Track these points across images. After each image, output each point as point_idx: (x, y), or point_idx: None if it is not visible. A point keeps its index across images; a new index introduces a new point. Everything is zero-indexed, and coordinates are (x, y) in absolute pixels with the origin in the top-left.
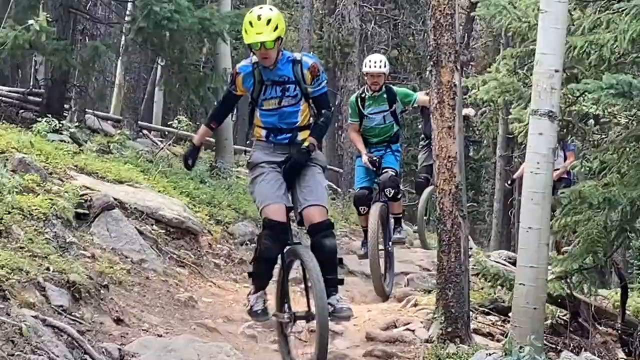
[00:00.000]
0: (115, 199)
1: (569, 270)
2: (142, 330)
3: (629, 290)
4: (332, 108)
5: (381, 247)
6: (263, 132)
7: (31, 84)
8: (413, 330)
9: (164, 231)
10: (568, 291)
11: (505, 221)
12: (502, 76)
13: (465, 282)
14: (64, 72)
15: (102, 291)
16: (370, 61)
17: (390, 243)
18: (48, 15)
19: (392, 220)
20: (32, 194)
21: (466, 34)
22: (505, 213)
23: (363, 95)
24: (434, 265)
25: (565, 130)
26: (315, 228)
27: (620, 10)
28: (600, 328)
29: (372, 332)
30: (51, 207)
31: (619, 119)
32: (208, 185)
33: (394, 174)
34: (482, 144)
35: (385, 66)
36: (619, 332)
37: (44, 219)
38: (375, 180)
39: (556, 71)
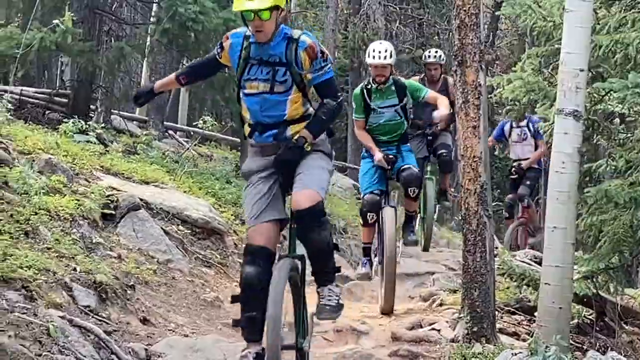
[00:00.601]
0: (141, 200)
1: (595, 269)
2: (169, 330)
3: None
4: (341, 98)
5: (398, 258)
6: (248, 129)
7: (57, 84)
8: (439, 330)
9: (189, 231)
10: (594, 290)
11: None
12: (527, 75)
13: (491, 281)
14: (90, 73)
15: (128, 291)
16: (374, 51)
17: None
18: (73, 17)
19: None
20: (59, 195)
21: (491, 33)
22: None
23: (369, 87)
24: (459, 265)
25: (590, 129)
26: (299, 215)
27: None
28: (627, 327)
29: (398, 331)
30: (78, 208)
31: None
32: (234, 185)
33: (416, 171)
34: (507, 142)
35: (391, 56)
36: None
37: (70, 219)
38: (391, 177)
39: (581, 70)
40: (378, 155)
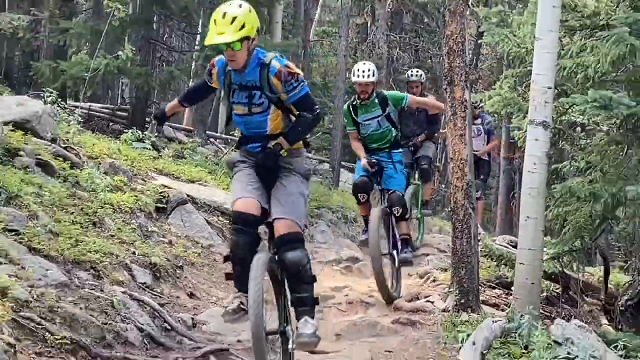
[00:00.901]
0: (188, 195)
1: (561, 252)
2: (211, 302)
3: (610, 268)
4: (318, 110)
5: (385, 251)
6: (239, 139)
7: (119, 101)
8: (432, 302)
9: (227, 221)
10: (560, 269)
11: (507, 211)
12: (505, 92)
13: (475, 261)
14: (145, 91)
15: (177, 271)
16: (358, 70)
17: (397, 261)
18: (132, 47)
19: (399, 243)
20: (120, 192)
21: (475, 57)
22: (508, 205)
23: (354, 104)
24: (449, 248)
25: (557, 136)
26: (280, 239)
27: (602, 37)
28: (587, 299)
29: (399, 303)
30: (136, 202)
31: (602, 127)
32: None
33: (400, 195)
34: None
35: (373, 75)
36: (603, 302)
37: (130, 212)
38: (378, 182)
39: (549, 88)
40: (363, 161)
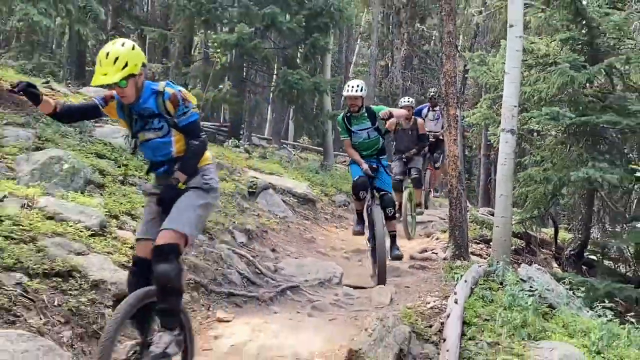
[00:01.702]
0: (269, 183)
1: (524, 218)
2: (286, 255)
3: (558, 228)
4: (204, 137)
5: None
6: (147, 167)
7: (222, 121)
8: (436, 253)
9: (296, 200)
10: (524, 230)
11: (486, 191)
12: (484, 110)
13: (465, 225)
14: (239, 114)
15: (263, 234)
16: (349, 86)
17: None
18: (230, 84)
19: (389, 240)
20: (225, 181)
21: (462, 86)
22: (486, 187)
23: (348, 115)
24: (447, 216)
25: (520, 139)
26: (154, 250)
27: (551, 71)
28: (543, 251)
29: (413, 254)
30: (235, 188)
31: (551, 132)
32: (320, 174)
33: (391, 196)
34: (472, 147)
35: (361, 90)
36: (553, 253)
37: (231, 194)
38: (374, 186)
39: (514, 106)
40: (365, 166)
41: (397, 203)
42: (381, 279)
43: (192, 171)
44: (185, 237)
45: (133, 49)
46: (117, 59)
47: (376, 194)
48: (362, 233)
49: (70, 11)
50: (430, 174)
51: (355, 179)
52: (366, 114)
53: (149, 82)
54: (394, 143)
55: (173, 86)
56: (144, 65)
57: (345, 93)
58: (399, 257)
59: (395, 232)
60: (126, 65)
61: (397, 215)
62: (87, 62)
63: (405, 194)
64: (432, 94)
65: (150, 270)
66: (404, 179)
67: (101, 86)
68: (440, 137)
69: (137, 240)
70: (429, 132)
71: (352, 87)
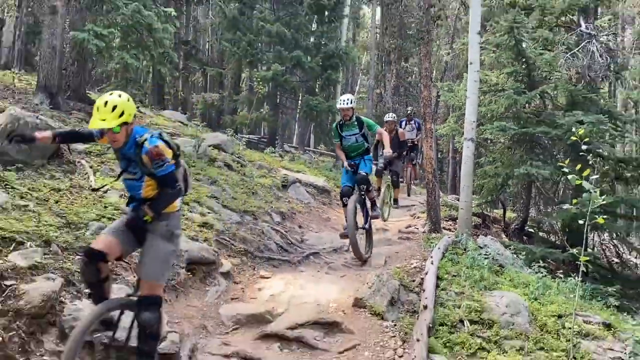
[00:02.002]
0: (296, 178)
1: (481, 202)
2: (309, 230)
3: (506, 210)
4: (178, 186)
5: (359, 225)
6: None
7: (262, 134)
8: (418, 228)
9: (316, 191)
10: (481, 211)
11: (454, 183)
12: (452, 124)
13: (438, 207)
14: (275, 129)
15: (293, 215)
16: (341, 100)
17: (369, 221)
18: (268, 107)
19: (369, 204)
20: (264, 177)
21: (436, 107)
22: (454, 180)
23: (341, 123)
24: (425, 202)
25: (478, 145)
26: (139, 300)
27: (500, 95)
28: (495, 226)
29: (400, 229)
30: (272, 182)
31: (500, 140)
32: (332, 172)
33: (365, 174)
34: (443, 152)
35: (351, 102)
36: (502, 227)
37: (269, 187)
38: (355, 180)
39: (473, 122)
40: (345, 163)
41: (377, 186)
42: (355, 253)
43: (159, 212)
44: (162, 286)
45: (128, 100)
46: (114, 107)
47: (360, 187)
48: (347, 237)
49: (154, 56)
50: (411, 170)
51: (342, 187)
52: (356, 122)
53: (137, 130)
54: (381, 149)
55: (153, 140)
56: (134, 116)
57: (338, 105)
58: (376, 217)
59: (374, 199)
60: (122, 114)
61: (375, 194)
62: (165, 92)
63: (384, 186)
64: (408, 111)
65: (100, 261)
66: (385, 171)
67: (96, 130)
68: (416, 142)
69: (100, 235)
70: (407, 139)
71: (344, 100)
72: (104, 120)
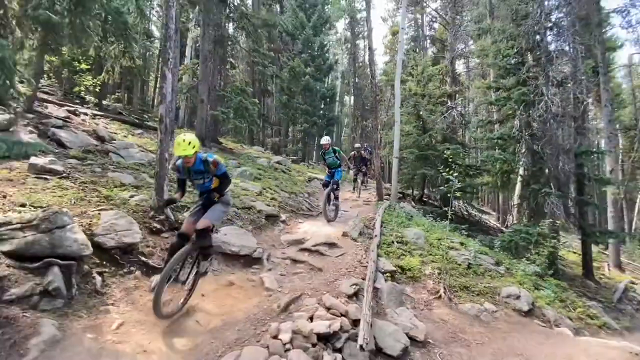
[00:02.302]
0: (315, 177)
1: (402, 186)
2: (320, 202)
3: (413, 190)
4: (229, 177)
5: (329, 205)
6: (197, 192)
7: (298, 155)
8: (371, 200)
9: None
10: (402, 190)
11: (389, 178)
12: (387, 150)
13: (381, 189)
14: (304, 153)
15: (314, 193)
16: (323, 139)
17: (334, 204)
18: (301, 144)
19: (333, 197)
20: (300, 176)
21: (379, 142)
22: (389, 176)
23: (323, 151)
24: (375, 187)
25: (400, 160)
26: (196, 231)
27: (409, 136)
28: (408, 198)
29: (365, 199)
30: (303, 179)
31: (410, 157)
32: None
33: (337, 180)
34: (383, 163)
35: (328, 141)
36: (412, 198)
37: (302, 181)
38: (331, 180)
39: (398, 149)
40: (326, 171)
41: (354, 185)
42: (325, 216)
43: (222, 193)
44: (211, 226)
45: (195, 139)
46: (190, 142)
47: (332, 186)
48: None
49: (248, 121)
50: (364, 177)
51: (325, 180)
52: (332, 151)
53: (199, 155)
54: (353, 162)
55: (212, 156)
56: (199, 147)
57: (321, 142)
58: (337, 207)
59: (338, 193)
60: (195, 146)
61: (362, 185)
62: (253, 138)
63: (356, 183)
64: (357, 145)
65: (186, 240)
66: (357, 176)
67: (181, 156)
68: (369, 160)
69: (185, 221)
70: (363, 158)
71: (324, 139)
72: (185, 150)
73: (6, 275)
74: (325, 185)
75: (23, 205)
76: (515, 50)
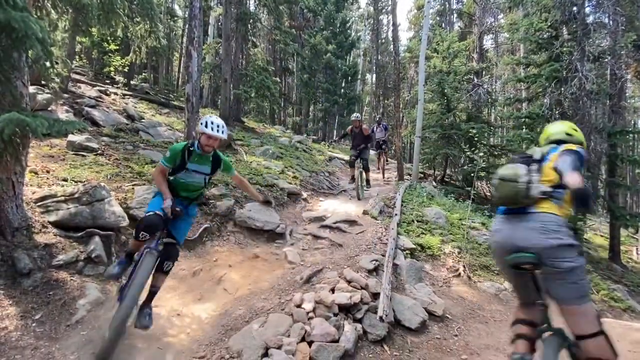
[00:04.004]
0: (335, 156)
1: (424, 166)
2: (341, 180)
3: (435, 170)
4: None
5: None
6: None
7: (318, 135)
8: (392, 180)
9: (343, 162)
10: (423, 170)
11: (410, 158)
12: (409, 129)
13: (402, 169)
14: (324, 132)
15: (335, 172)
16: (353, 115)
17: (366, 185)
18: (321, 123)
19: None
20: (320, 155)
21: (401, 120)
22: (411, 155)
23: (351, 129)
24: (396, 168)
25: (422, 139)
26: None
27: (433, 114)
28: (429, 178)
29: (383, 179)
30: (324, 158)
31: (433, 137)
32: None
33: (366, 158)
34: (404, 143)
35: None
36: (433, 178)
37: (322, 160)
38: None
39: (420, 128)
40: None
41: (351, 175)
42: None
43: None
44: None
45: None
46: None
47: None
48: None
49: (270, 101)
50: (383, 158)
51: (350, 157)
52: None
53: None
54: (352, 140)
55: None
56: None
57: (352, 118)
58: (368, 180)
59: (368, 179)
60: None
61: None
62: (274, 117)
63: (357, 172)
64: (377, 118)
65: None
66: (356, 160)
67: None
68: (385, 139)
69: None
70: (379, 138)
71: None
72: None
73: (54, 243)
74: (352, 164)
75: (65, 180)
76: (549, 24)
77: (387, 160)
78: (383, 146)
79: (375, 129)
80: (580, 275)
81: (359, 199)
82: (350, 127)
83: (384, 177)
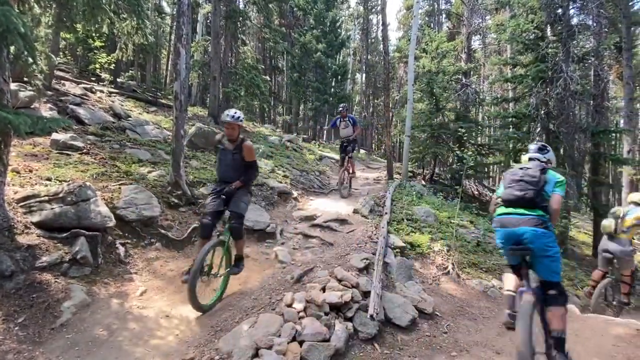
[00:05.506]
0: (325, 155)
1: (412, 165)
2: (331, 179)
3: (424, 169)
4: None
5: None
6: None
7: (309, 134)
8: (381, 178)
9: (334, 161)
10: (412, 169)
11: (400, 157)
12: (398, 128)
13: (392, 167)
14: (315, 132)
15: (325, 172)
16: (340, 106)
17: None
18: (312, 123)
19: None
20: (311, 155)
21: (390, 120)
22: (400, 154)
23: (338, 118)
24: (384, 167)
25: (412, 138)
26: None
27: (422, 114)
28: (419, 177)
29: (372, 179)
30: (314, 157)
31: (422, 136)
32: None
33: (351, 151)
34: (395, 142)
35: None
36: (422, 177)
37: (313, 159)
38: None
39: (409, 127)
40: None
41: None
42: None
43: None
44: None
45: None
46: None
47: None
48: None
49: (260, 99)
50: (348, 164)
51: (340, 155)
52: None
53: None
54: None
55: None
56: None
57: (339, 108)
58: (353, 175)
59: (355, 167)
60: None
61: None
62: (264, 115)
63: (344, 173)
64: (340, 108)
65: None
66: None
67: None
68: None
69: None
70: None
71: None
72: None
73: (37, 244)
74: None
75: (49, 179)
76: (535, 25)
77: (353, 172)
78: (348, 148)
79: (337, 122)
80: None
81: (342, 196)
82: (337, 117)
83: (349, 193)
